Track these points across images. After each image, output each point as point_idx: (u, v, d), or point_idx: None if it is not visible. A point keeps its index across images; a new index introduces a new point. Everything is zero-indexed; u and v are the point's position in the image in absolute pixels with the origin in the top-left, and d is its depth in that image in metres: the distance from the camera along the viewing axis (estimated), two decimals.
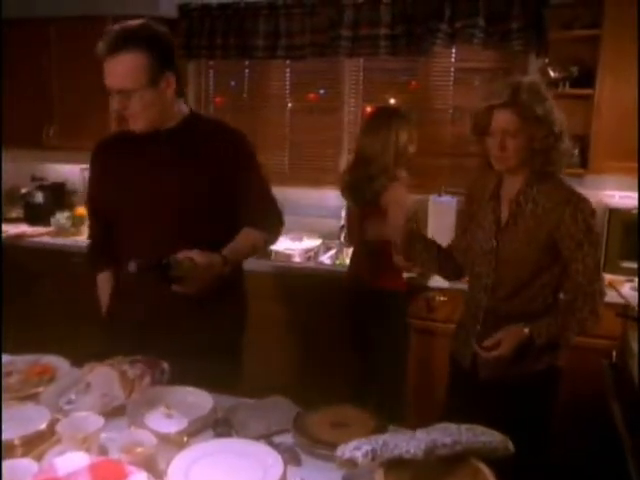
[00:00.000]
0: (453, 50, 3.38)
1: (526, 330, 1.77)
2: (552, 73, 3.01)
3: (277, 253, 3.43)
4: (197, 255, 1.65)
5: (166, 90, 1.74)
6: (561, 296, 1.86)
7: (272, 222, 1.96)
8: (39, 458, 1.27)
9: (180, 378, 1.67)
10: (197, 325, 1.84)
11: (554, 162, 1.80)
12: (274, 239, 2.01)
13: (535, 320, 1.79)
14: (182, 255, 1.64)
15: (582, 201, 1.78)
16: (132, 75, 1.66)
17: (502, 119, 1.75)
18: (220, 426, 1.49)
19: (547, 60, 3.05)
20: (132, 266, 1.58)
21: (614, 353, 2.36)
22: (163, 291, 1.69)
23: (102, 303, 2.03)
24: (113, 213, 1.90)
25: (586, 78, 2.95)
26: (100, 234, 2.01)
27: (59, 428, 1.31)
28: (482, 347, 1.79)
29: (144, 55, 1.66)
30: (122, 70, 1.65)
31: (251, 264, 3.35)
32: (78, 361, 1.76)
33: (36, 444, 1.32)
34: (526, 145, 1.76)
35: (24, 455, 1.28)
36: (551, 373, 1.88)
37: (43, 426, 1.36)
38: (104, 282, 2.02)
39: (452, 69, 3.45)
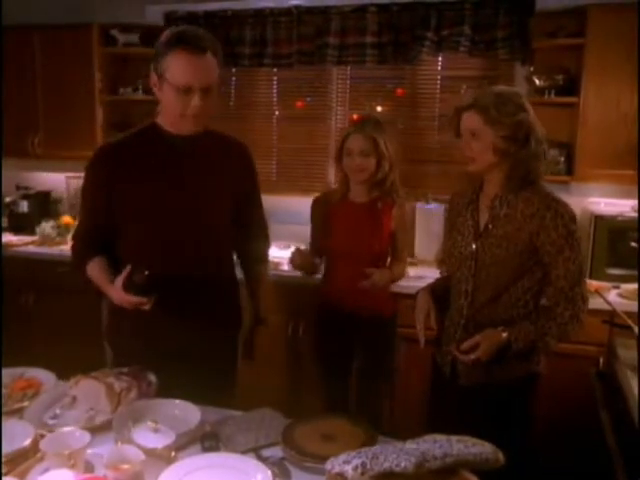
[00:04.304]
0: (439, 58, 3.40)
1: (504, 334, 1.77)
2: (537, 81, 3.04)
3: None
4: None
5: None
6: (543, 302, 1.87)
7: (267, 245, 2.15)
8: (22, 476, 1.25)
9: (172, 392, 1.66)
10: (191, 338, 1.84)
11: (519, 168, 1.79)
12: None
13: (514, 326, 1.80)
14: None
15: (562, 206, 1.78)
16: (214, 73, 1.73)
17: (466, 120, 1.82)
18: (208, 440, 1.47)
19: (532, 68, 3.08)
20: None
21: (601, 360, 2.37)
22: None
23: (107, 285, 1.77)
24: (129, 216, 1.82)
25: (571, 86, 2.99)
26: (95, 231, 1.88)
27: (43, 445, 1.28)
28: (459, 350, 1.80)
29: (217, 60, 1.74)
30: (210, 69, 1.71)
31: (239, 273, 3.33)
32: (64, 374, 1.74)
33: (19, 461, 1.30)
34: (488, 146, 1.78)
35: (7, 474, 1.25)
36: (531, 379, 1.88)
37: (27, 443, 1.34)
38: (101, 268, 1.82)
39: (438, 77, 3.46)
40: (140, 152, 1.81)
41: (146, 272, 1.66)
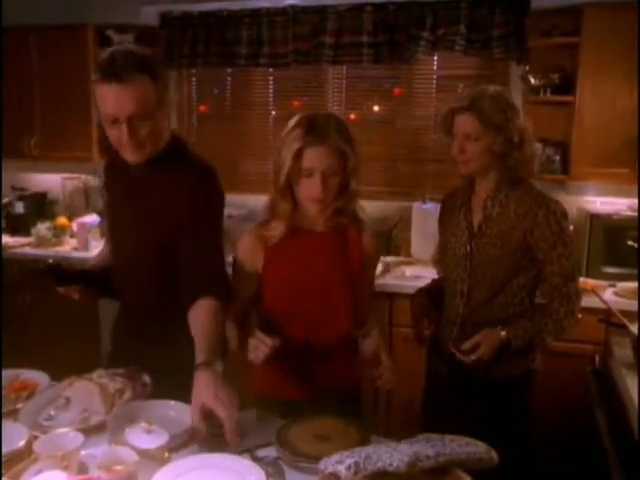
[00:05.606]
0: (435, 57, 3.41)
1: (503, 333, 1.79)
2: (533, 80, 3.04)
3: None
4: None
5: (163, 117, 1.69)
6: (537, 299, 1.88)
7: (228, 292, 1.66)
8: (16, 477, 1.25)
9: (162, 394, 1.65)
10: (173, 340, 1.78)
11: (514, 169, 1.82)
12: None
13: (512, 324, 1.81)
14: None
15: (554, 203, 1.82)
16: (142, 99, 1.57)
17: (462, 123, 1.81)
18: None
19: (528, 67, 3.08)
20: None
21: (597, 358, 2.37)
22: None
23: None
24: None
25: (567, 85, 2.98)
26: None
27: (36, 446, 1.28)
28: (460, 351, 1.80)
29: (151, 80, 1.60)
30: (135, 95, 1.55)
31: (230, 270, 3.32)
32: (59, 375, 1.73)
33: (13, 463, 1.29)
34: (486, 150, 1.79)
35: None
36: (527, 376, 1.91)
37: (21, 444, 1.34)
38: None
39: (434, 76, 3.47)
40: (114, 172, 1.86)
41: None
